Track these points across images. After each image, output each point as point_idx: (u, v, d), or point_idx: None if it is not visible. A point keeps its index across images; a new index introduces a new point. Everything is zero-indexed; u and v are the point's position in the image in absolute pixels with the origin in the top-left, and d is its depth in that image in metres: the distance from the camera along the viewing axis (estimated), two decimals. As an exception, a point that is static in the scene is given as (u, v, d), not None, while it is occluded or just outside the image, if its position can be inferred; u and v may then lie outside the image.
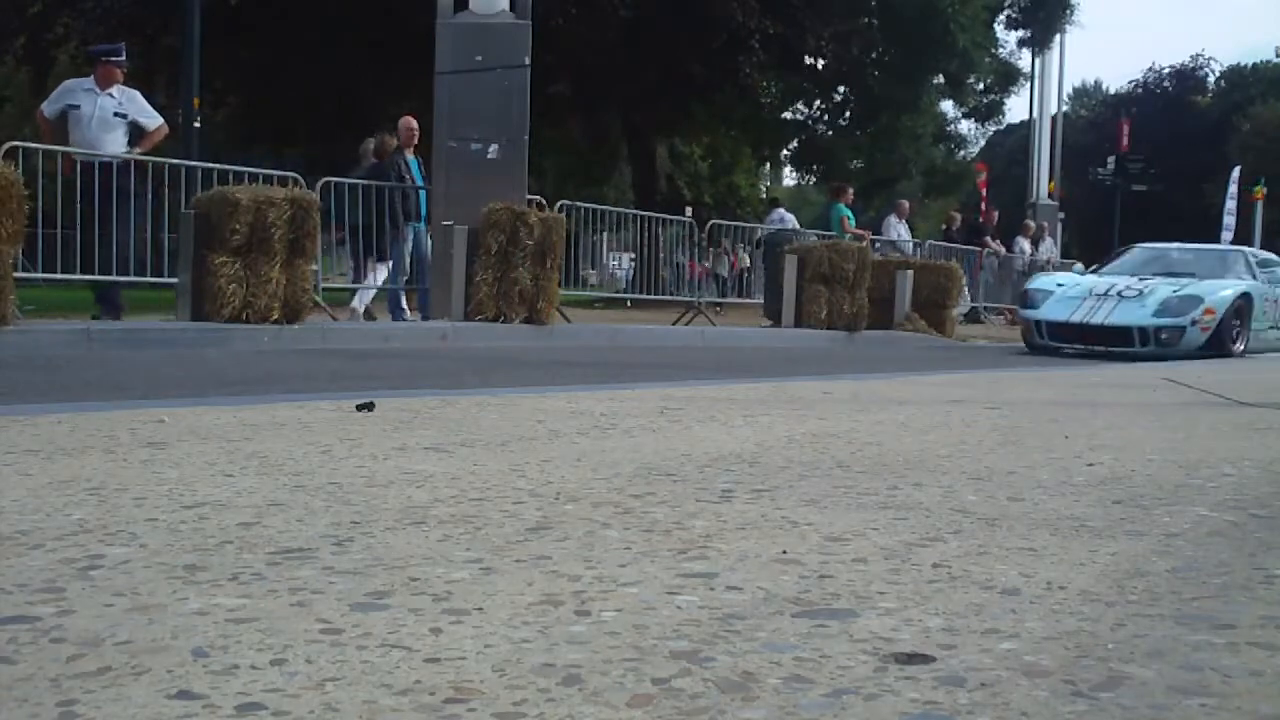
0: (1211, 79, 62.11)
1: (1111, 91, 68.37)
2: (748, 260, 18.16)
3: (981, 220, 22.46)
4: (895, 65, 22.14)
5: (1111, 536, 2.01)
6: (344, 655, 1.26)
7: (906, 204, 20.47)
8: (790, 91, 24.97)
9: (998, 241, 20.80)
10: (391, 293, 11.67)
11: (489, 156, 10.82)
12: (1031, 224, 23.23)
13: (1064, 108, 37.72)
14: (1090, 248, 43.22)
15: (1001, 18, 25.27)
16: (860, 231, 17.78)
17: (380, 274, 11.37)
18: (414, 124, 11.68)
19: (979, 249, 20.10)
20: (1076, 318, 12.10)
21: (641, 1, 19.41)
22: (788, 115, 25.69)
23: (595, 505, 2.17)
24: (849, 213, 18.23)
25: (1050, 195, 28.02)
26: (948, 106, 25.85)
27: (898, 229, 19.01)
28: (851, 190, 19.76)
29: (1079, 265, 20.03)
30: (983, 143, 42.04)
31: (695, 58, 20.51)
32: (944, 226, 20.58)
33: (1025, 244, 21.86)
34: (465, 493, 2.27)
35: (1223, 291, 12.20)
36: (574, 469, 2.61)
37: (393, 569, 1.64)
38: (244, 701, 1.11)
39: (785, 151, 26.53)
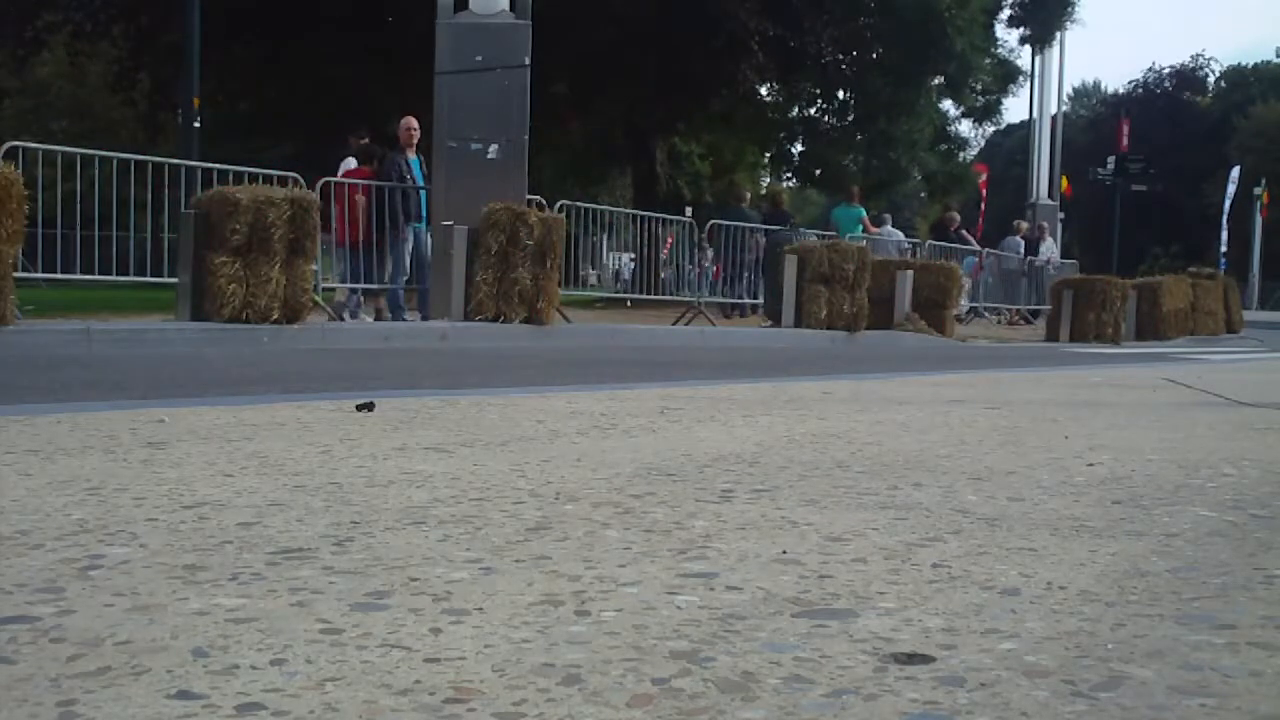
0: (1211, 79, 62.14)
1: (1111, 91, 68.46)
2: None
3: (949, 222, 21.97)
4: (894, 67, 22.09)
5: (1111, 536, 2.01)
6: (344, 655, 1.26)
7: (1024, 224, 21.95)
8: (791, 93, 24.93)
9: (966, 235, 20.62)
10: (391, 293, 11.67)
11: (489, 156, 10.83)
12: (1024, 223, 22.35)
13: (1064, 108, 37.73)
14: (1090, 248, 43.26)
15: (1003, 16, 25.22)
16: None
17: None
18: (414, 124, 11.68)
19: (978, 250, 20.09)
20: None
21: (642, 2, 19.39)
22: (789, 114, 25.66)
23: (595, 505, 2.17)
24: (864, 213, 18.33)
25: (1053, 196, 27.97)
26: (947, 106, 25.79)
27: (1017, 246, 21.00)
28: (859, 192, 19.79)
29: None
30: (982, 143, 42.01)
31: (695, 58, 20.48)
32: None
33: (1019, 243, 21.51)
34: (465, 493, 2.27)
35: None
36: (574, 469, 2.61)
37: (393, 569, 1.64)
38: (244, 701, 1.11)
39: (791, 152, 26.48)
